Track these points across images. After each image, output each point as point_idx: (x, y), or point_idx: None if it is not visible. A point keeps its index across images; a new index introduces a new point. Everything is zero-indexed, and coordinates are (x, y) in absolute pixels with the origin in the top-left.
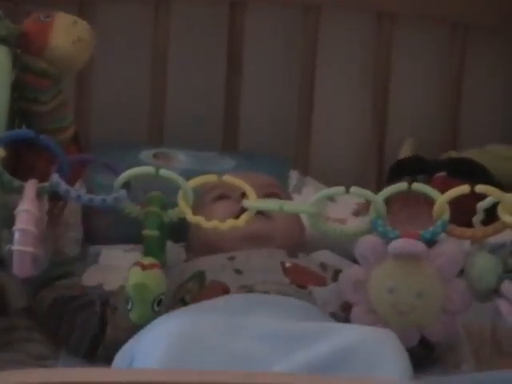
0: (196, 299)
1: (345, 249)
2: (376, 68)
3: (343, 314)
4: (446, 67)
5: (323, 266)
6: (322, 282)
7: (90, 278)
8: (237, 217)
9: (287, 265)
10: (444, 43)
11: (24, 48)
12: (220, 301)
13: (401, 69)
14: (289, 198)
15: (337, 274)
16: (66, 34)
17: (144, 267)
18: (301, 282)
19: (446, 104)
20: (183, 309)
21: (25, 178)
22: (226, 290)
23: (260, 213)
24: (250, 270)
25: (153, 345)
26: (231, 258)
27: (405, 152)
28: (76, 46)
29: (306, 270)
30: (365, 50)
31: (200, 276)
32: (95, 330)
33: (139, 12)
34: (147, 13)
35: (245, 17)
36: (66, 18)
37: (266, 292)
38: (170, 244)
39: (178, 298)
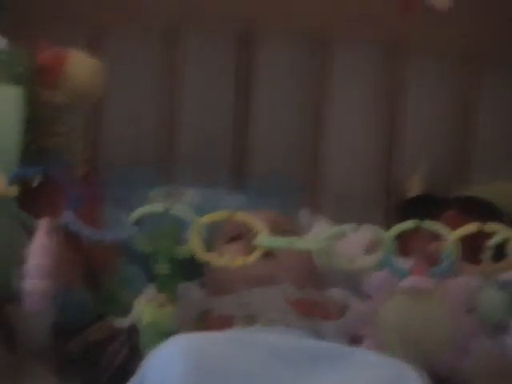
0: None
1: (356, 287)
2: (387, 97)
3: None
4: (459, 95)
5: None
6: (327, 313)
7: None
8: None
9: (291, 298)
10: (456, 71)
11: (39, 81)
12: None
13: (413, 98)
14: (302, 233)
15: (345, 308)
16: (83, 62)
17: (157, 305)
18: (305, 312)
19: (458, 132)
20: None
21: (35, 212)
22: (230, 320)
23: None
24: (255, 306)
25: (166, 367)
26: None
27: (414, 189)
28: (94, 73)
29: (310, 301)
30: (376, 79)
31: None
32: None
33: (148, 40)
34: (156, 40)
35: (255, 48)
36: (78, 51)
37: (271, 320)
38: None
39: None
